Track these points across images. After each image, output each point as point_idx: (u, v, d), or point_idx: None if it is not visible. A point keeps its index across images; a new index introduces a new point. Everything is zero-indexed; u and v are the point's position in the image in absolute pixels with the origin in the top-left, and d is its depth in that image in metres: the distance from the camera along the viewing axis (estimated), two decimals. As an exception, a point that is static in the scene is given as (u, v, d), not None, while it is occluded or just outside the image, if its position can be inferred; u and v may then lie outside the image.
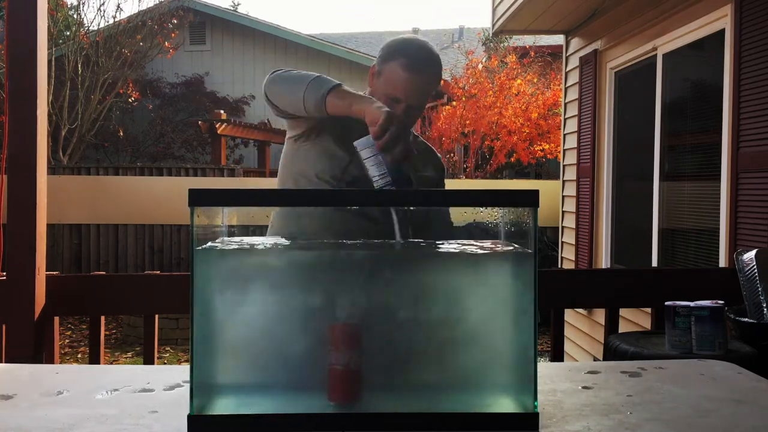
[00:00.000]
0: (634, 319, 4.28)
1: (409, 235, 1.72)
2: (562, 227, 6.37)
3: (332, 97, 1.68)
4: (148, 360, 2.52)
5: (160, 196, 8.50)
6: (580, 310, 5.36)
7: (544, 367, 1.42)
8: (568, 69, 6.18)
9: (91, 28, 11.86)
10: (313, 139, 1.90)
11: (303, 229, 1.88)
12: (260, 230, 2.01)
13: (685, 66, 4.41)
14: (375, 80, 1.92)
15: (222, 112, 11.91)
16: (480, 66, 12.46)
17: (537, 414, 1.10)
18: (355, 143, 1.49)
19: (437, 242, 1.31)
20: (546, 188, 5.92)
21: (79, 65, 10.89)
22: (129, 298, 2.53)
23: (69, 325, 7.84)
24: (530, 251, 1.12)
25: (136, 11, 12.10)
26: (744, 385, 1.32)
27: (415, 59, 1.86)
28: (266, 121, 12.86)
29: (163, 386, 1.29)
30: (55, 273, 2.43)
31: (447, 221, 1.94)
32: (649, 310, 3.06)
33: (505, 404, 1.13)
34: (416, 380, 1.14)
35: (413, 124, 2.00)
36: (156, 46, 12.26)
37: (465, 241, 1.29)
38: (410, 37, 1.95)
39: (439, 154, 2.16)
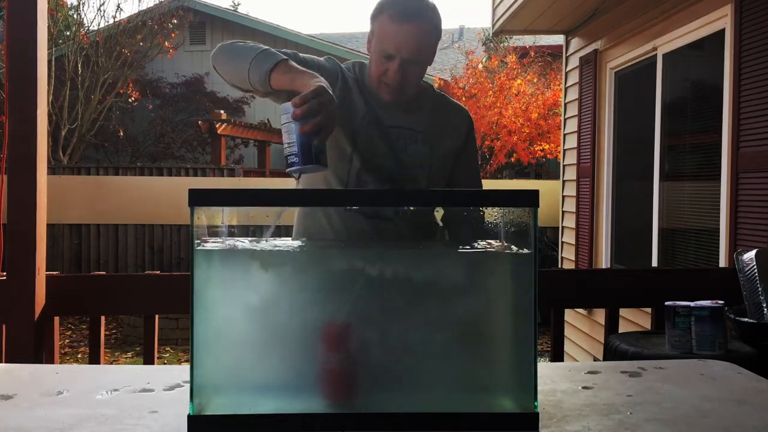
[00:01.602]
0: (634, 319, 4.28)
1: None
2: (562, 227, 6.37)
3: (276, 72, 1.60)
4: (148, 360, 2.52)
5: (160, 196, 8.50)
6: (580, 310, 5.36)
7: (544, 367, 1.42)
8: (568, 69, 6.18)
9: (91, 28, 11.86)
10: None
11: (320, 229, 1.83)
12: (260, 230, 2.01)
13: (685, 66, 4.41)
14: (370, 44, 1.82)
15: (222, 112, 11.91)
16: (480, 66, 12.45)
17: (537, 414, 1.10)
18: (281, 105, 1.43)
19: (437, 242, 1.31)
20: (546, 188, 5.92)
21: (79, 65, 10.88)
22: (129, 298, 2.53)
23: (69, 325, 7.84)
24: (530, 251, 1.12)
25: (136, 11, 12.10)
26: (744, 385, 1.32)
27: (404, 8, 1.74)
28: (266, 121, 12.86)
29: (163, 386, 1.29)
30: (55, 273, 2.43)
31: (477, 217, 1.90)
32: (649, 310, 3.06)
33: (505, 404, 1.13)
34: (416, 380, 1.14)
35: (415, 84, 1.84)
36: (156, 46, 12.26)
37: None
38: None
39: (465, 109, 2.01)
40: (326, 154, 1.44)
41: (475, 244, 1.27)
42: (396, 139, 1.85)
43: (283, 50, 1.79)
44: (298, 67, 1.61)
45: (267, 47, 1.68)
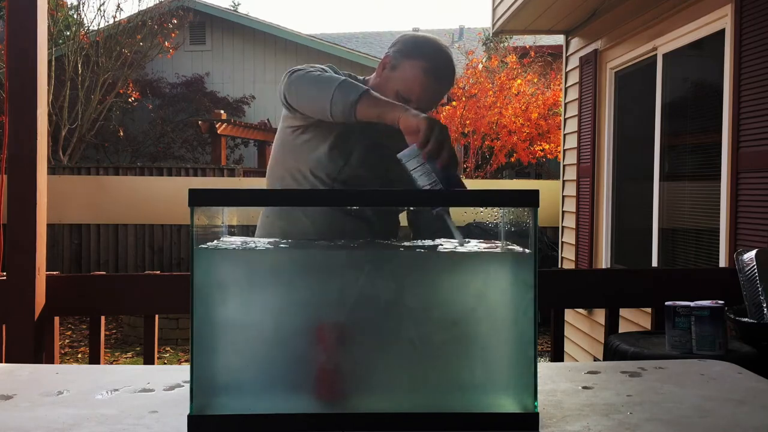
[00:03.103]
0: (634, 319, 4.28)
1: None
2: (562, 227, 6.37)
3: (363, 104, 1.60)
4: (148, 360, 2.52)
5: (160, 196, 8.51)
6: (580, 310, 5.36)
7: (544, 367, 1.42)
8: (568, 69, 6.18)
9: (91, 28, 11.87)
10: (313, 131, 1.83)
11: (298, 228, 1.85)
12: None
13: (685, 66, 4.41)
14: (387, 71, 1.83)
15: (222, 112, 11.92)
16: (480, 66, 12.46)
17: (537, 414, 1.10)
18: (399, 155, 1.42)
19: (437, 242, 1.31)
20: (546, 188, 5.93)
21: (79, 65, 10.89)
22: (129, 298, 2.53)
23: (69, 325, 7.84)
24: (530, 251, 1.12)
25: (136, 11, 12.11)
26: (744, 385, 1.32)
27: (437, 65, 1.78)
28: (266, 121, 12.87)
29: (163, 386, 1.29)
30: (55, 273, 2.43)
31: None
32: (649, 310, 3.06)
33: (505, 404, 1.13)
34: (416, 380, 1.14)
35: None
36: (156, 46, 12.26)
37: (464, 241, 1.29)
38: (432, 38, 1.86)
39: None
40: (462, 181, 1.48)
41: (474, 244, 1.27)
42: (386, 157, 1.89)
43: (343, 73, 1.82)
44: (384, 98, 1.62)
45: (345, 77, 1.69)
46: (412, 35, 1.87)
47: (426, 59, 1.78)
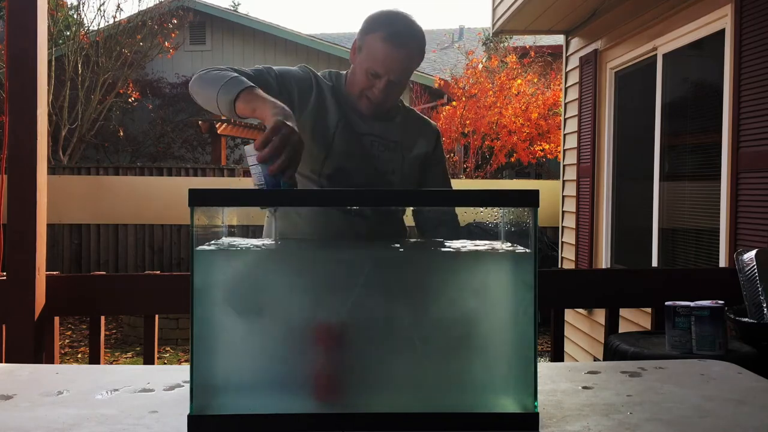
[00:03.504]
0: (634, 319, 4.28)
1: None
2: (562, 227, 6.37)
3: (240, 100, 1.61)
4: (148, 360, 2.52)
5: (160, 196, 8.50)
6: (580, 310, 5.36)
7: (544, 367, 1.42)
8: (568, 69, 6.18)
9: (91, 28, 11.86)
10: None
11: (295, 227, 1.86)
12: (260, 230, 2.01)
13: (685, 66, 4.41)
14: (356, 55, 1.86)
15: (222, 112, 11.89)
16: (480, 66, 12.46)
17: (537, 414, 1.10)
18: (244, 148, 1.45)
19: (437, 242, 1.31)
20: (546, 188, 5.93)
21: (79, 65, 10.88)
22: (129, 298, 2.53)
23: (69, 325, 7.84)
24: (530, 251, 1.12)
25: (136, 11, 12.10)
26: (744, 385, 1.32)
27: (396, 31, 1.79)
28: (266, 121, 12.84)
29: (163, 386, 1.29)
30: (55, 273, 2.43)
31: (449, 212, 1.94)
32: (649, 310, 3.06)
33: (505, 404, 1.13)
34: (417, 380, 1.14)
35: (395, 101, 1.94)
36: (156, 46, 12.25)
37: (465, 241, 1.29)
38: (392, 9, 1.87)
39: (432, 122, 2.10)
40: (298, 187, 1.43)
41: (474, 244, 1.27)
42: (370, 145, 1.91)
43: (255, 67, 1.83)
44: (261, 95, 1.60)
45: (236, 75, 1.69)
46: (374, 12, 1.88)
47: (384, 29, 1.79)
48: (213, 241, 1.21)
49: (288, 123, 1.40)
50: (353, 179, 1.87)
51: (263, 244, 1.34)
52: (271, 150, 1.33)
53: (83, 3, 12.44)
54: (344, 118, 1.88)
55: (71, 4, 12.51)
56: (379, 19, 1.83)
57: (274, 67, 1.87)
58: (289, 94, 1.82)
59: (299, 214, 1.83)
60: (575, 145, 5.87)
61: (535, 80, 12.09)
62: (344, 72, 1.97)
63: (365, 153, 1.90)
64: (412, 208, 1.93)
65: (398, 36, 1.79)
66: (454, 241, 1.30)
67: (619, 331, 2.66)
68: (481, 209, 1.22)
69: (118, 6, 14.84)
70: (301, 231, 1.85)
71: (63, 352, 6.75)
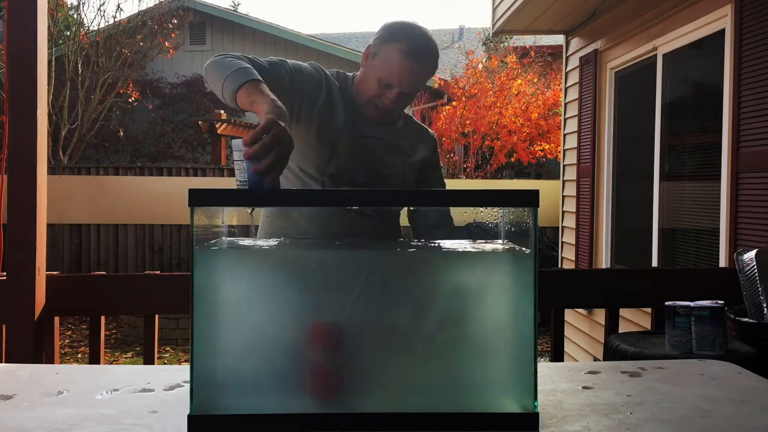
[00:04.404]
0: (634, 319, 4.28)
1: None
2: (562, 227, 6.37)
3: (241, 93, 1.59)
4: (148, 360, 2.52)
5: (160, 196, 8.50)
6: (580, 310, 5.36)
7: (544, 367, 1.42)
8: (568, 69, 6.18)
9: (91, 28, 11.86)
10: (294, 128, 1.81)
11: (295, 226, 1.86)
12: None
13: (685, 66, 4.41)
14: (369, 61, 1.85)
15: (222, 112, 11.90)
16: (480, 66, 12.46)
17: (537, 414, 1.10)
18: (232, 142, 1.40)
19: (437, 242, 1.31)
20: (546, 188, 5.92)
21: (79, 65, 10.88)
22: (129, 298, 2.53)
23: (69, 325, 7.84)
24: (530, 251, 1.12)
25: (136, 11, 12.09)
26: (744, 385, 1.32)
27: (414, 45, 1.79)
28: (266, 121, 12.83)
29: (163, 386, 1.29)
30: (55, 273, 2.43)
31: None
32: (649, 310, 3.06)
33: (505, 404, 1.13)
34: (417, 380, 1.14)
35: (402, 110, 1.97)
36: (156, 46, 12.25)
37: (465, 241, 1.29)
38: (411, 22, 1.87)
39: (430, 131, 2.12)
40: (280, 188, 1.41)
41: (474, 244, 1.27)
42: (373, 148, 1.92)
43: (270, 59, 1.82)
44: (263, 91, 1.58)
45: (248, 65, 1.67)
46: (391, 22, 1.88)
47: (403, 41, 1.79)
48: (213, 241, 1.21)
49: (280, 123, 1.38)
50: (356, 180, 1.88)
51: (263, 245, 1.34)
52: (258, 149, 1.30)
53: (83, 3, 12.44)
54: (350, 119, 1.89)
55: (71, 4, 12.52)
56: (398, 30, 1.83)
57: (288, 61, 1.86)
58: (300, 89, 1.83)
59: (300, 212, 1.84)
60: (575, 145, 5.87)
61: (535, 80, 12.08)
62: (351, 74, 1.98)
63: (369, 154, 1.91)
64: (407, 210, 1.94)
65: (416, 50, 1.79)
66: (454, 241, 1.30)
67: (619, 331, 2.66)
68: (481, 209, 1.22)
69: (118, 6, 14.84)
70: (301, 229, 1.85)
71: (63, 352, 6.75)
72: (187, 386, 1.11)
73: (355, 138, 1.89)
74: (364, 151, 1.90)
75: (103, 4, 20.85)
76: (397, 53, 1.79)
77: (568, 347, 5.66)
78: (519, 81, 11.62)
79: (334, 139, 1.86)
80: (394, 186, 1.92)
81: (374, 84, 1.83)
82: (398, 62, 1.78)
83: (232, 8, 19.03)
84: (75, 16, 12.34)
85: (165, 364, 5.33)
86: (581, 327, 5.48)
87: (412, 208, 1.97)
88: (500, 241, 1.29)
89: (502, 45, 14.01)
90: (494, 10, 6.21)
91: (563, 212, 6.31)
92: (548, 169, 12.38)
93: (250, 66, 1.68)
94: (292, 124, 1.83)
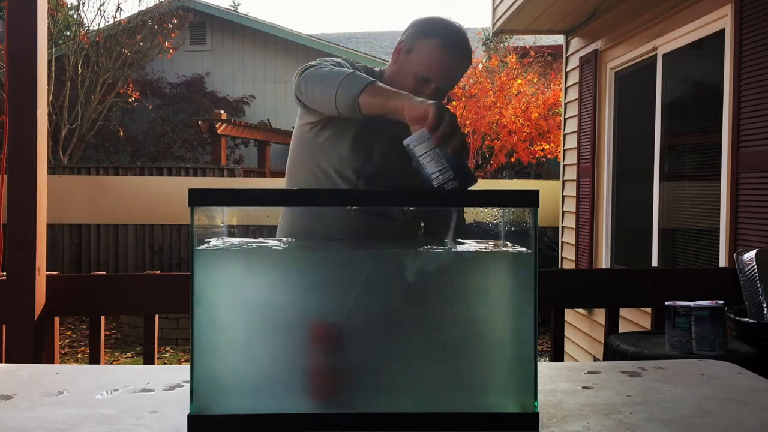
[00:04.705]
0: (634, 319, 4.28)
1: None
2: (562, 227, 6.37)
3: (365, 96, 1.55)
4: (148, 360, 2.52)
5: (160, 196, 8.50)
6: (580, 310, 5.36)
7: (544, 367, 1.42)
8: (568, 69, 6.18)
9: (91, 28, 11.86)
10: (332, 127, 1.79)
11: (314, 228, 1.82)
12: (260, 230, 2.01)
13: (685, 66, 4.41)
14: (402, 57, 1.81)
15: (222, 112, 11.92)
16: (480, 66, 12.45)
17: (537, 414, 1.10)
18: (406, 141, 1.34)
19: (436, 242, 1.31)
20: (546, 188, 5.92)
21: (79, 65, 10.89)
22: (129, 298, 2.53)
23: (69, 325, 7.84)
24: (530, 251, 1.12)
25: (136, 11, 12.10)
26: (744, 385, 1.32)
27: (454, 41, 1.77)
28: (266, 120, 12.86)
29: (163, 386, 1.29)
30: (55, 273, 2.43)
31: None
32: (649, 310, 3.06)
33: (505, 404, 1.13)
34: (417, 380, 1.14)
35: None
36: (156, 46, 12.26)
37: (465, 241, 1.29)
38: (446, 17, 1.84)
39: None
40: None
41: (474, 244, 1.27)
42: (404, 152, 1.87)
43: (335, 59, 1.79)
44: (388, 88, 1.56)
45: (353, 71, 1.64)
46: (423, 18, 1.85)
47: (440, 36, 1.77)
48: (213, 241, 1.21)
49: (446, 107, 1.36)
50: (391, 183, 1.82)
51: (263, 244, 1.34)
52: (447, 129, 1.29)
53: (83, 3, 12.45)
54: (386, 121, 1.86)
55: (71, 4, 12.52)
56: (434, 25, 1.80)
57: (361, 64, 1.83)
58: None
59: (318, 213, 1.79)
60: (575, 145, 5.87)
61: (535, 80, 12.08)
62: (377, 69, 1.93)
63: (405, 158, 1.86)
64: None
65: (455, 45, 1.77)
66: (459, 241, 1.30)
67: (619, 331, 2.66)
68: (481, 209, 1.22)
69: (118, 6, 14.85)
70: (327, 230, 1.81)
71: (63, 352, 6.75)
72: (187, 386, 1.11)
73: (392, 140, 1.83)
74: (401, 155, 1.86)
75: (103, 4, 20.87)
76: (435, 48, 1.76)
77: (568, 347, 5.66)
78: (519, 81, 11.61)
79: (371, 142, 1.82)
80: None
81: (410, 79, 1.78)
82: (437, 57, 1.75)
83: (232, 8, 19.04)
84: (75, 16, 12.34)
85: (165, 364, 5.33)
86: (581, 327, 5.48)
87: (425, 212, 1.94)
88: (500, 241, 1.29)
89: (502, 45, 14.01)
90: (494, 10, 6.21)
91: (563, 212, 6.31)
92: (548, 169, 12.38)
93: (353, 70, 1.64)
94: (331, 125, 1.80)
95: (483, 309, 1.15)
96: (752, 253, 2.48)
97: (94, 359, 2.48)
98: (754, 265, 2.44)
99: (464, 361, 1.14)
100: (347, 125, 1.80)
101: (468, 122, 11.27)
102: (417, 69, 1.77)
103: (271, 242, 1.28)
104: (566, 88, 6.26)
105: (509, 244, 1.25)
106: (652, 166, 4.59)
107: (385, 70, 1.91)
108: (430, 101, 1.42)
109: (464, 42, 1.81)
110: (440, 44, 1.76)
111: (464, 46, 1.80)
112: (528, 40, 13.31)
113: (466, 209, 1.20)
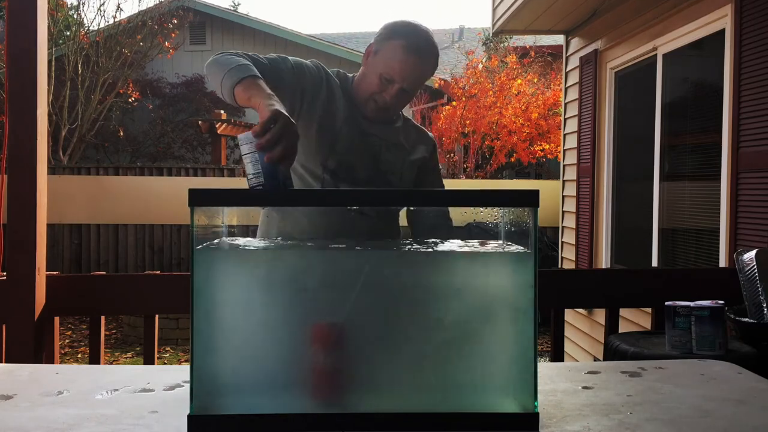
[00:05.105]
0: (634, 319, 4.28)
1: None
2: (562, 227, 6.37)
3: (238, 88, 1.60)
4: (148, 360, 2.52)
5: (160, 196, 8.50)
6: (580, 310, 5.36)
7: (544, 367, 1.42)
8: (568, 69, 6.18)
9: (91, 28, 11.85)
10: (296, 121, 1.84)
11: (295, 225, 1.86)
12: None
13: (685, 66, 4.41)
14: (370, 59, 1.87)
15: (222, 111, 11.90)
16: (480, 66, 12.46)
17: (537, 414, 1.10)
18: (238, 136, 1.35)
19: (437, 242, 1.31)
20: (546, 188, 5.92)
21: (79, 65, 10.88)
22: (129, 298, 2.53)
23: (69, 325, 7.84)
24: (530, 251, 1.12)
25: (136, 11, 12.09)
26: (744, 385, 1.32)
27: (417, 43, 1.82)
28: (266, 121, 12.82)
29: (163, 386, 1.29)
30: (55, 273, 2.43)
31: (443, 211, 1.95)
32: (649, 310, 3.06)
33: (505, 404, 1.13)
34: (417, 380, 1.14)
35: (401, 109, 1.98)
36: (156, 46, 12.25)
37: (465, 241, 1.29)
38: (412, 21, 1.90)
39: (430, 133, 2.13)
40: (291, 179, 1.41)
41: (474, 244, 1.27)
42: (372, 144, 1.93)
43: (270, 56, 1.84)
44: (259, 85, 1.58)
45: (246, 62, 1.67)
46: (392, 21, 1.90)
47: (404, 38, 1.82)
48: (213, 241, 1.21)
49: (284, 112, 1.38)
50: (356, 176, 1.88)
51: (263, 245, 1.34)
52: (270, 137, 1.29)
53: (83, 3, 12.44)
54: (351, 116, 1.90)
55: (71, 4, 12.52)
56: (401, 28, 1.86)
57: (290, 58, 1.89)
58: (302, 86, 1.84)
59: (301, 211, 1.84)
60: (575, 145, 5.87)
61: (535, 80, 12.08)
62: (351, 75, 1.99)
63: (368, 151, 1.92)
64: (405, 210, 1.94)
65: (418, 47, 1.82)
66: (454, 241, 1.30)
67: (619, 331, 2.66)
68: (481, 209, 1.22)
69: (118, 6, 14.83)
70: (300, 227, 1.85)
71: (63, 352, 6.75)
72: (187, 386, 1.11)
73: (356, 135, 1.90)
74: (364, 148, 1.91)
75: (103, 4, 20.86)
76: (398, 49, 1.81)
77: (568, 347, 5.65)
78: (519, 81, 11.61)
79: (335, 135, 1.87)
80: (392, 183, 1.93)
81: (375, 80, 1.84)
82: (399, 58, 1.80)
83: (232, 8, 19.03)
84: (75, 16, 12.34)
85: (165, 364, 5.33)
86: (581, 327, 5.48)
87: (411, 209, 1.98)
88: (500, 241, 1.29)
89: (502, 45, 14.01)
90: (494, 10, 6.21)
91: (563, 212, 6.31)
92: (548, 169, 12.38)
93: (250, 63, 1.69)
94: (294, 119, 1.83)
95: (483, 309, 1.15)
96: (752, 253, 2.48)
97: (94, 359, 2.48)
98: (754, 265, 2.44)
99: (464, 361, 1.14)
100: (308, 122, 1.85)
101: (468, 122, 11.27)
102: (382, 70, 1.83)
103: (270, 242, 1.28)
104: (566, 88, 6.26)
105: (509, 244, 1.25)
106: (652, 166, 4.59)
107: (357, 74, 1.96)
108: (275, 107, 1.41)
109: (428, 44, 1.85)
110: (403, 45, 1.81)
111: (428, 48, 1.85)
112: (528, 40, 13.31)
113: (466, 209, 1.19)
